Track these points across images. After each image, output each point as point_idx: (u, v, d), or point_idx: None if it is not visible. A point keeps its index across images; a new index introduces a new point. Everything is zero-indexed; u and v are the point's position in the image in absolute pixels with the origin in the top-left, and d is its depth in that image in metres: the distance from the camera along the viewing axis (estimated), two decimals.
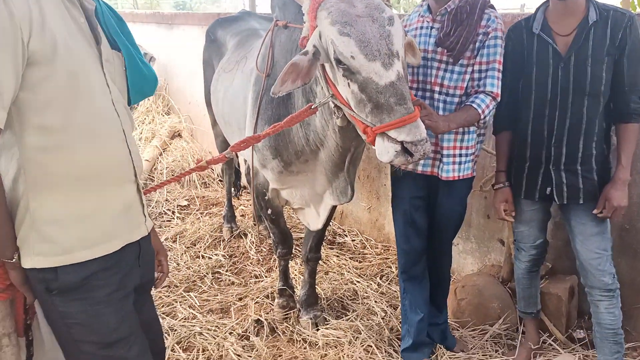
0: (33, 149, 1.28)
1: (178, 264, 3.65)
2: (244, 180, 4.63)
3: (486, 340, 2.74)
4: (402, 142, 1.75)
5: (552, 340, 2.71)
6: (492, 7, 2.28)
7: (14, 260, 1.31)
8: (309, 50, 1.87)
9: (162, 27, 6.40)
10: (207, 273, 3.54)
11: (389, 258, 3.67)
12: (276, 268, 3.18)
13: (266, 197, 2.75)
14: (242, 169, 4.42)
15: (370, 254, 3.81)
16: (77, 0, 1.40)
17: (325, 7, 1.84)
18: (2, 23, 1.17)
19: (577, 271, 2.47)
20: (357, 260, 3.72)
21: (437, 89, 2.29)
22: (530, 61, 2.28)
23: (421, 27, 2.32)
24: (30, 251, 1.31)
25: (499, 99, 2.24)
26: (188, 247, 3.92)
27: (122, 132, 1.45)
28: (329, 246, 3.92)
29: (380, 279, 3.44)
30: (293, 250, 3.06)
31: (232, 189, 4.35)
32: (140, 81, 1.58)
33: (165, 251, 1.76)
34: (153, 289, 1.71)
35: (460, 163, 2.34)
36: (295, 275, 3.43)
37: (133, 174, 1.48)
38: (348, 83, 1.82)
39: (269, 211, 2.80)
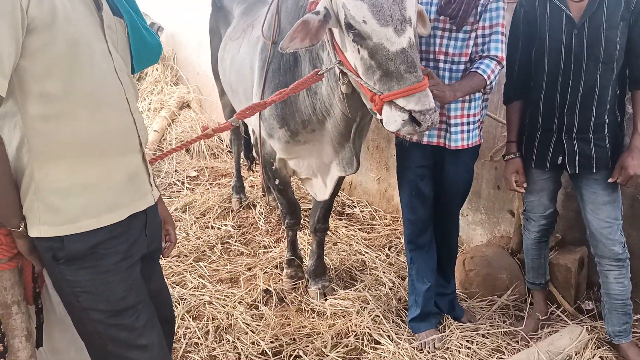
0: (35, 118, 1.27)
1: (188, 234, 3.68)
2: (255, 151, 4.62)
3: (494, 311, 2.75)
4: (410, 111, 1.73)
5: (560, 312, 2.71)
6: None
7: (20, 229, 1.32)
8: (320, 11, 1.84)
9: None
10: (216, 243, 3.56)
11: (397, 229, 3.67)
12: (285, 239, 3.18)
13: (274, 167, 2.74)
14: (252, 140, 4.41)
15: (379, 224, 3.81)
16: None
17: None
18: None
19: (587, 242, 2.46)
20: (365, 231, 3.72)
21: (441, 57, 2.25)
22: (543, 28, 2.23)
23: None
24: (36, 220, 1.31)
25: (504, 62, 2.21)
26: (197, 218, 3.94)
27: (125, 100, 1.43)
28: (338, 217, 3.93)
29: (389, 249, 3.44)
30: (301, 221, 3.07)
31: (246, 161, 4.34)
32: (144, 49, 1.56)
33: (173, 220, 1.76)
34: (161, 258, 1.72)
35: (468, 131, 2.32)
36: (304, 245, 3.44)
37: (138, 143, 1.47)
38: (358, 49, 1.79)
39: (277, 181, 2.80)
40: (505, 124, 2.52)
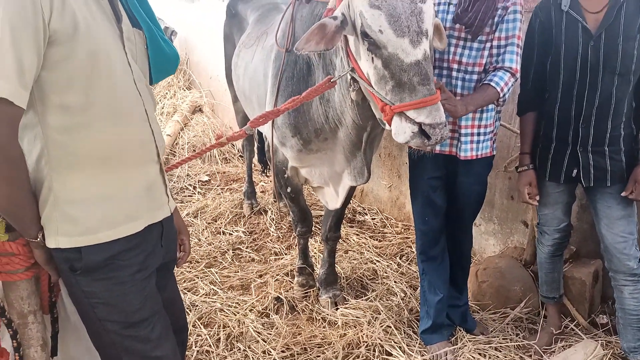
0: (55, 129, 1.27)
1: (199, 240, 3.69)
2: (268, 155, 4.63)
3: (507, 324, 2.73)
4: (420, 124, 1.72)
5: (574, 326, 2.68)
6: None
7: (38, 239, 1.32)
8: (338, 17, 1.84)
9: (184, 1, 6.35)
10: (227, 249, 3.57)
11: (409, 237, 3.65)
12: (296, 246, 3.18)
13: (285, 175, 2.74)
14: (266, 145, 4.42)
15: (391, 232, 3.79)
16: None
17: None
18: (23, 3, 1.16)
19: (601, 255, 2.43)
20: (377, 239, 3.71)
21: (455, 66, 2.23)
22: (559, 39, 2.20)
23: (438, 3, 2.26)
24: (54, 231, 1.32)
25: (517, 74, 2.19)
26: (209, 223, 3.95)
27: (144, 111, 1.43)
28: (349, 224, 3.92)
29: (400, 258, 3.43)
30: (313, 229, 3.06)
31: (259, 165, 4.34)
32: (162, 59, 1.56)
33: (188, 231, 1.77)
34: (175, 267, 1.72)
35: (478, 142, 2.30)
36: (315, 253, 3.44)
37: (156, 153, 1.48)
38: (372, 58, 1.78)
39: (289, 189, 2.79)
40: (519, 134, 2.50)
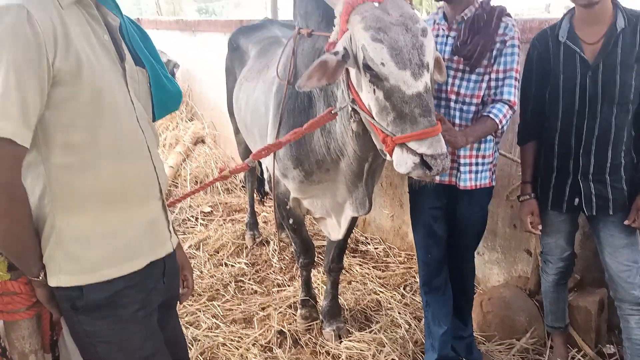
0: (58, 168, 1.28)
1: (201, 272, 3.67)
2: (268, 186, 4.64)
3: (513, 355, 2.69)
4: (421, 155, 1.73)
5: (581, 356, 2.64)
6: (509, 15, 2.24)
7: (40, 278, 1.32)
8: (339, 51, 1.86)
9: (186, 34, 6.46)
10: (230, 281, 3.55)
11: (412, 267, 3.63)
12: (298, 277, 3.16)
13: (288, 207, 2.74)
14: (266, 176, 4.44)
15: (394, 262, 3.77)
16: (101, 17, 1.40)
17: (360, 11, 1.82)
18: (28, 43, 1.18)
19: (606, 283, 2.41)
20: (380, 269, 3.69)
21: (453, 97, 2.26)
22: (557, 70, 2.23)
23: (437, 35, 2.29)
24: (56, 269, 1.32)
25: (515, 107, 2.21)
26: (211, 255, 3.94)
27: (146, 148, 1.45)
28: (352, 254, 3.90)
29: (404, 289, 3.40)
30: (315, 259, 3.05)
31: (257, 195, 4.36)
32: (165, 97, 1.58)
33: (191, 266, 1.76)
34: (178, 303, 1.71)
35: (477, 172, 2.31)
36: (318, 284, 3.41)
37: (158, 190, 1.48)
38: (374, 89, 1.80)
39: (291, 220, 2.79)
40: (520, 163, 2.51)
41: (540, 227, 2.40)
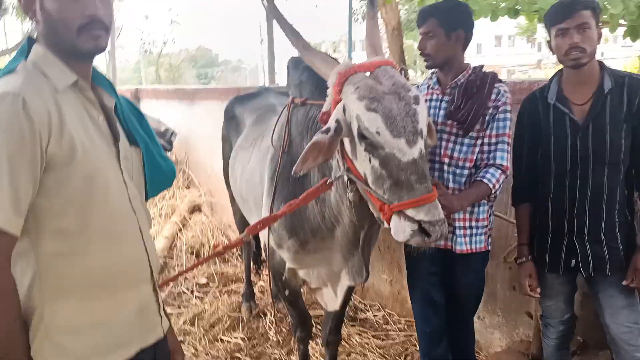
0: (49, 255, 1.27)
1: (196, 350, 3.54)
2: (264, 255, 4.59)
3: None
4: (419, 222, 1.72)
5: None
6: (501, 81, 2.30)
7: None
8: (331, 127, 1.88)
9: (184, 102, 6.62)
10: (225, 358, 3.42)
11: (412, 335, 3.54)
12: (296, 350, 3.07)
13: (283, 278, 2.71)
14: (262, 245, 4.40)
15: (394, 330, 3.69)
16: (96, 98, 1.43)
17: (352, 82, 1.86)
18: (22, 131, 1.19)
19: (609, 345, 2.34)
20: (380, 338, 3.60)
21: (446, 160, 2.29)
22: (548, 131, 2.25)
23: (431, 99, 2.35)
24: None
25: (508, 172, 2.24)
26: (206, 330, 3.80)
27: (138, 230, 1.44)
28: (351, 323, 3.81)
29: (405, 358, 3.31)
30: (313, 330, 2.97)
31: (253, 264, 4.30)
32: (158, 176, 1.59)
33: (182, 350, 1.71)
34: None
35: (472, 235, 2.31)
36: (317, 357, 3.31)
37: (149, 273, 1.46)
38: (369, 158, 1.81)
39: (287, 292, 2.75)
40: (515, 225, 2.51)
41: (539, 290, 2.36)
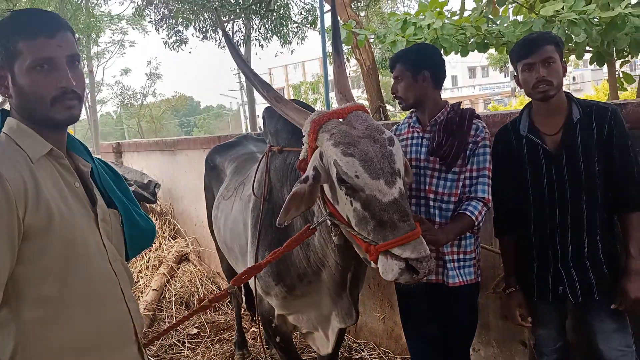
0: (30, 324, 1.26)
1: None
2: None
3: None
4: (406, 260, 1.73)
5: None
6: (478, 117, 2.37)
7: None
8: (310, 175, 1.90)
9: (166, 153, 6.63)
10: None
11: None
12: None
13: (273, 325, 2.68)
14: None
15: None
16: (72, 164, 1.45)
17: (327, 129, 1.89)
18: None
19: None
20: None
21: (431, 196, 2.32)
22: (522, 163, 2.29)
23: (412, 137, 2.40)
24: None
25: (490, 204, 2.27)
26: None
27: (120, 291, 1.44)
28: None
29: None
30: None
31: (248, 310, 4.23)
32: (138, 235, 1.60)
33: None
34: None
35: (460, 268, 2.33)
36: None
37: (133, 333, 1.45)
38: (351, 201, 1.83)
39: (278, 339, 2.72)
40: (501, 256, 2.52)
41: (529, 318, 2.36)
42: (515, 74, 2.32)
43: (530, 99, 2.31)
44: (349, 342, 4.06)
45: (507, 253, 2.44)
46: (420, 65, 2.34)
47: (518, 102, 20.48)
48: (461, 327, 2.44)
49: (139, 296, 4.96)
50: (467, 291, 2.37)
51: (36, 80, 1.33)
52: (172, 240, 6.22)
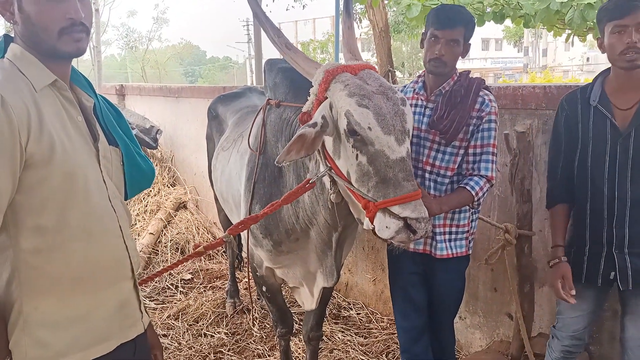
0: (27, 252, 1.28)
1: (180, 344, 3.56)
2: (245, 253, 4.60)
3: None
4: (405, 219, 1.74)
5: None
6: (487, 88, 2.28)
7: None
8: (317, 122, 1.88)
9: (169, 100, 6.57)
10: (209, 352, 3.45)
11: (394, 333, 3.57)
12: (279, 346, 3.09)
13: (258, 274, 2.73)
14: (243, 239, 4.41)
15: (376, 328, 3.72)
16: (75, 98, 1.43)
17: (340, 80, 1.88)
18: (1, 129, 1.19)
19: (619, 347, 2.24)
20: (362, 336, 3.63)
21: (428, 168, 2.29)
22: (586, 135, 2.12)
23: (415, 105, 2.34)
24: (23, 356, 1.29)
25: (493, 181, 2.22)
26: (190, 325, 3.83)
27: (118, 228, 1.45)
28: (334, 321, 3.84)
29: (387, 356, 3.34)
30: (295, 328, 2.99)
31: (235, 261, 4.31)
32: (138, 175, 1.60)
33: (161, 345, 1.72)
34: None
35: (451, 240, 2.32)
36: (299, 354, 3.34)
37: (130, 270, 1.47)
38: (357, 155, 1.82)
39: (264, 288, 2.77)
40: (550, 227, 2.36)
41: (573, 292, 2.15)
42: (599, 36, 2.11)
43: (610, 66, 2.10)
44: (339, 300, 4.14)
45: (557, 224, 2.27)
46: (471, 35, 2.26)
47: (529, 78, 20.08)
48: (447, 296, 2.45)
49: (135, 238, 5.03)
50: (456, 262, 2.36)
51: (44, 9, 1.29)
52: (171, 187, 6.25)
